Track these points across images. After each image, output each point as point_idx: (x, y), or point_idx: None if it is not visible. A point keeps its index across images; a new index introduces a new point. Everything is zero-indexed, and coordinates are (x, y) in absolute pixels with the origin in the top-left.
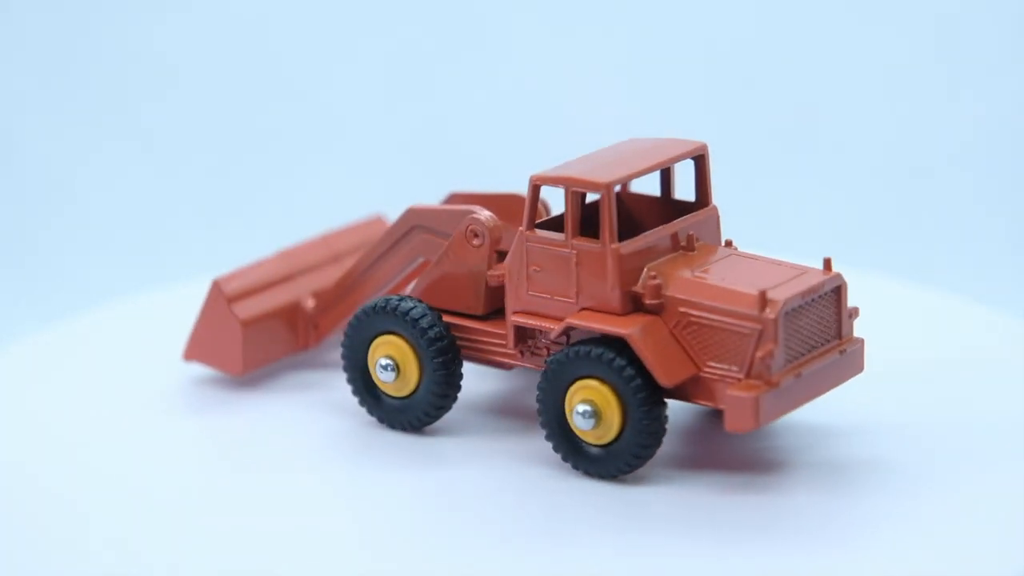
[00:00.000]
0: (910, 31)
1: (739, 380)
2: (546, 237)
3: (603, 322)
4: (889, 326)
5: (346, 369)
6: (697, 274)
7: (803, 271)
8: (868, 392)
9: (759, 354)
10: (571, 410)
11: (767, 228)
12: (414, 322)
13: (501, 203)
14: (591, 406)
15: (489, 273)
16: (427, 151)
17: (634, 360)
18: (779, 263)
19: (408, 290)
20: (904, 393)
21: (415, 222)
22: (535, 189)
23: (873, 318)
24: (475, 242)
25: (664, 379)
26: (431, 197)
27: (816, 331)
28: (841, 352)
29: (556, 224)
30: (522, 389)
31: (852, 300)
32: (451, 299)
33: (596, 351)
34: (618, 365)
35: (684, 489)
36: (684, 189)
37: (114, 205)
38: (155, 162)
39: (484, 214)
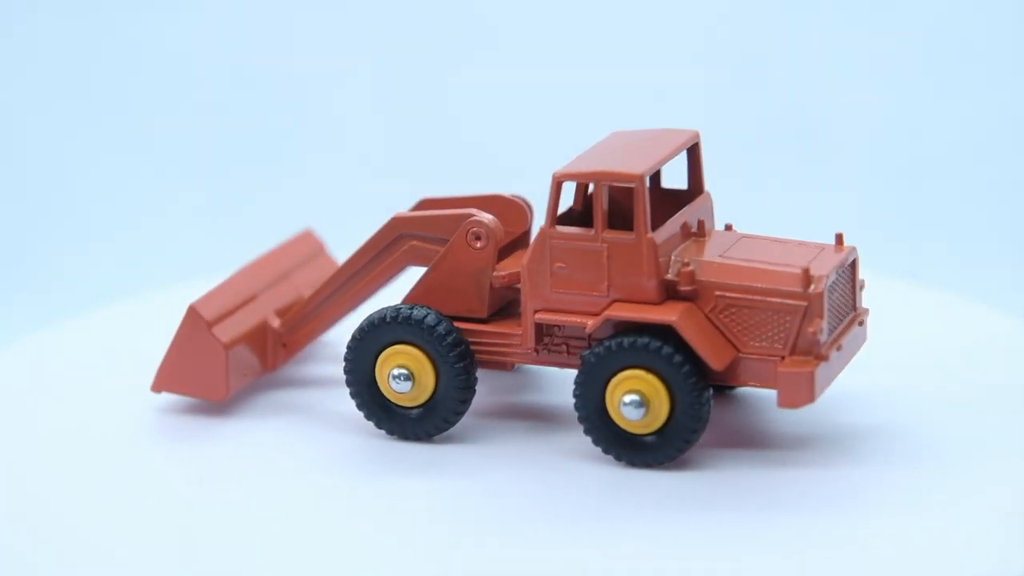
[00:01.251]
0: (912, 30)
1: (783, 358)
2: (572, 233)
3: (644, 312)
4: (889, 325)
5: (350, 384)
6: (724, 257)
7: (820, 247)
8: (868, 390)
9: (810, 329)
10: (616, 402)
11: (767, 229)
12: (430, 329)
13: (474, 206)
14: (639, 396)
15: (495, 274)
16: (394, 157)
17: (679, 347)
18: (791, 242)
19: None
20: (904, 390)
21: (402, 230)
22: (557, 186)
23: (873, 317)
24: (477, 244)
25: (715, 363)
26: (398, 204)
27: (842, 304)
28: (860, 323)
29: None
30: (515, 389)
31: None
32: (451, 304)
33: (642, 341)
34: (666, 353)
35: (718, 471)
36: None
37: (95, 208)
38: (150, 163)
39: (485, 216)
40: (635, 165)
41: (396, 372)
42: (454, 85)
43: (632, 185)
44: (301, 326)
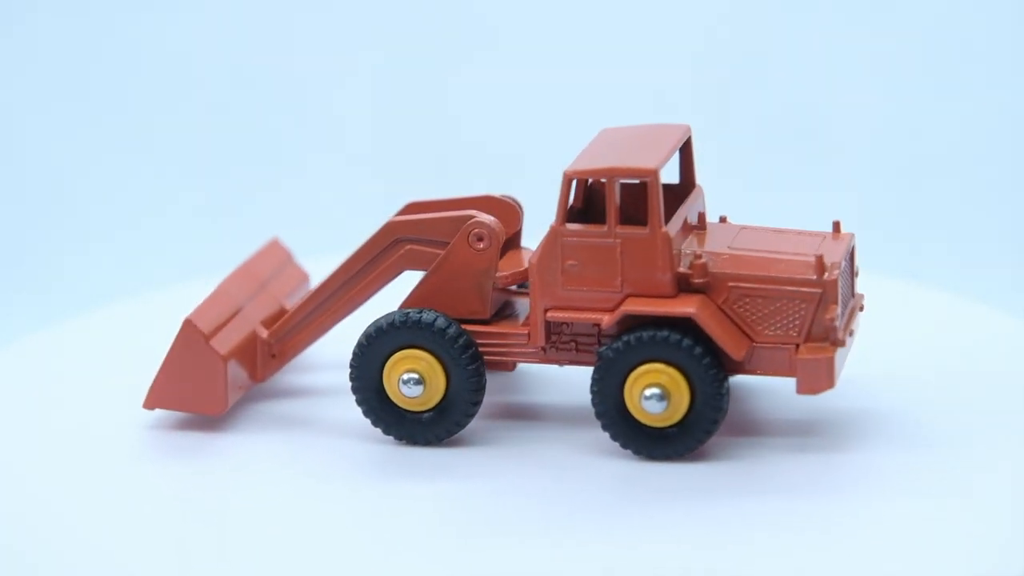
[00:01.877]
0: (912, 30)
1: (797, 345)
2: (585, 229)
3: (662, 306)
4: (889, 325)
5: (357, 391)
6: (733, 249)
7: (822, 235)
8: (868, 390)
9: (828, 316)
10: (636, 396)
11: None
12: (441, 332)
13: (464, 207)
14: (661, 389)
15: (499, 275)
16: (394, 158)
17: (698, 339)
18: (790, 231)
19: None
20: (904, 390)
21: (398, 234)
22: (568, 183)
23: (873, 317)
24: (479, 245)
25: (735, 353)
26: (397, 204)
27: (847, 290)
28: (860, 308)
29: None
30: (516, 389)
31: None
32: (453, 306)
33: (661, 335)
34: (687, 345)
35: (725, 460)
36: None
37: (94, 208)
38: (150, 163)
39: (486, 217)
40: (647, 160)
41: (406, 377)
42: (453, 86)
43: (646, 180)
44: (291, 336)
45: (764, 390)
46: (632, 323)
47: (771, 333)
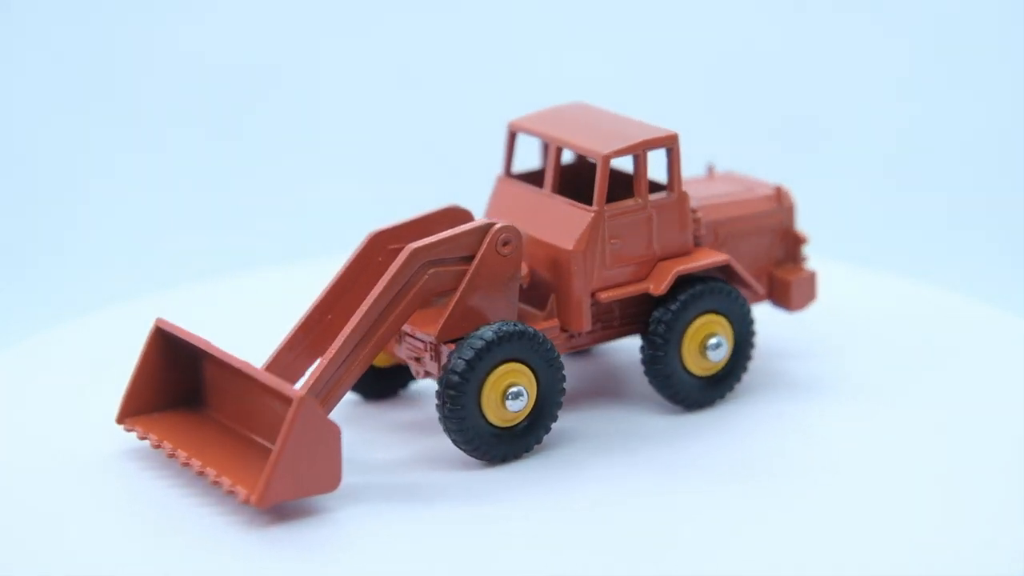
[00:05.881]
0: (912, 30)
1: (771, 272)
2: (623, 206)
3: (699, 260)
4: (889, 324)
5: (457, 420)
6: (701, 199)
7: (729, 175)
8: (868, 389)
9: (802, 236)
10: (695, 350)
11: None
12: (535, 338)
13: (423, 226)
14: (718, 337)
15: (523, 275)
16: (394, 160)
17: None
18: (701, 178)
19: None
20: (904, 389)
21: (424, 258)
22: (606, 164)
23: (873, 316)
24: (506, 250)
25: (761, 290)
26: (397, 206)
27: None
28: None
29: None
30: None
31: (852, 298)
32: (487, 318)
33: (713, 286)
34: (732, 291)
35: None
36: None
37: (93, 209)
38: (151, 166)
39: (502, 222)
40: (659, 129)
41: (511, 392)
42: (451, 87)
43: (672, 146)
44: (333, 391)
45: None
46: (678, 284)
47: (753, 266)
